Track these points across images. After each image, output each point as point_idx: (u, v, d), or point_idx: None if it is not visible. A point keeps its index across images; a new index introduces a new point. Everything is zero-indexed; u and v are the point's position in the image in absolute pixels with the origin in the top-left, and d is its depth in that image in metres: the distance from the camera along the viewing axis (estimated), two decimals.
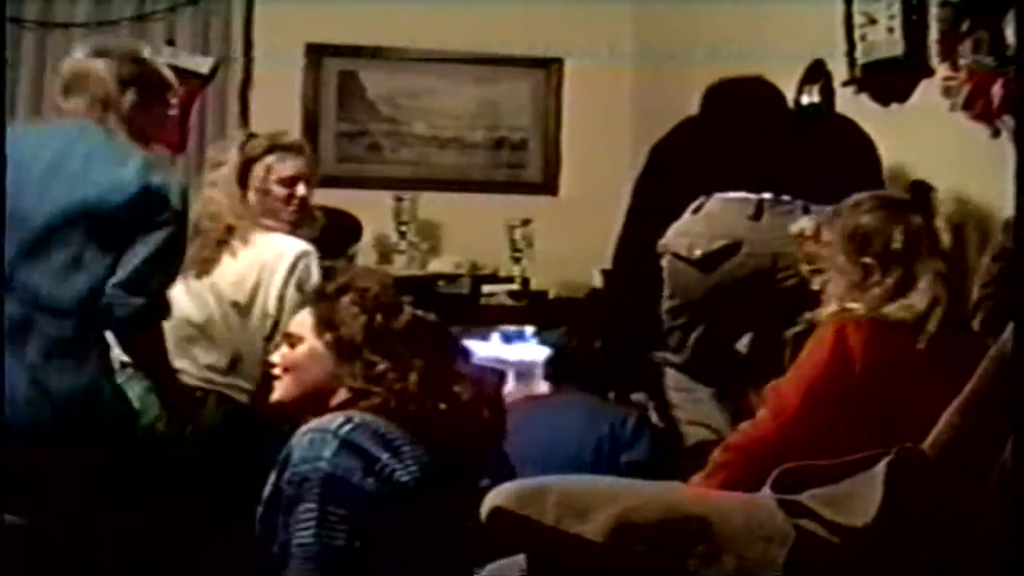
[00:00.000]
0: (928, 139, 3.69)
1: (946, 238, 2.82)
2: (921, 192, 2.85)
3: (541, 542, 2.56)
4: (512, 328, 5.11)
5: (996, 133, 3.28)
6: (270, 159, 3.76)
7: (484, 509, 2.57)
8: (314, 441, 2.66)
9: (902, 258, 2.77)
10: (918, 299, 2.72)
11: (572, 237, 5.45)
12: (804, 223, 3.07)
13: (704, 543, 2.48)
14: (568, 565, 2.56)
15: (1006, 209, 2.59)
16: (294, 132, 5.56)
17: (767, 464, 2.63)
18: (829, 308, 2.82)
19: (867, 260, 2.79)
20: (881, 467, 2.33)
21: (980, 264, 2.96)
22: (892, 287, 2.75)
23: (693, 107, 4.05)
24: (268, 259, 3.62)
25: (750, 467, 2.73)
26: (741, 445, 2.84)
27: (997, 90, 3.23)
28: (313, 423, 2.71)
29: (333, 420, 2.69)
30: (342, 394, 2.80)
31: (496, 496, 2.59)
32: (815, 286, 2.95)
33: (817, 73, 4.22)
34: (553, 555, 2.57)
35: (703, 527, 2.49)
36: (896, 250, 2.77)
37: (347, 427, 2.67)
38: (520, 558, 2.65)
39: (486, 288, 5.21)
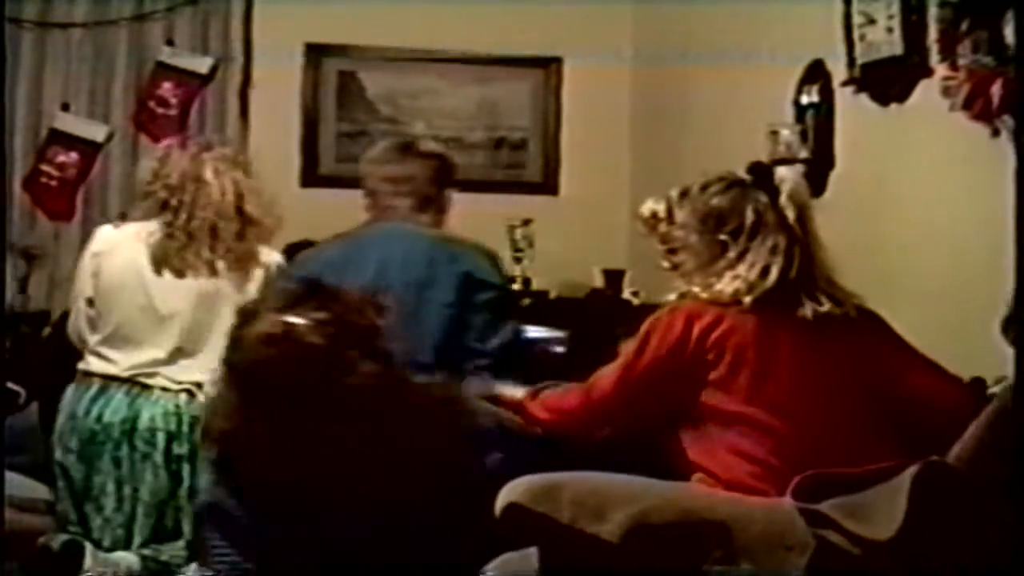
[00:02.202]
0: (928, 139, 3.69)
1: (790, 214, 2.84)
2: (762, 172, 2.94)
3: (555, 539, 2.54)
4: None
5: (996, 133, 3.27)
6: None
7: (499, 505, 2.56)
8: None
9: (750, 234, 2.83)
10: (746, 269, 2.79)
11: (572, 237, 5.45)
12: (653, 205, 3.12)
13: (722, 548, 2.45)
14: (581, 562, 2.54)
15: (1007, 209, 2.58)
16: (294, 132, 5.61)
17: (571, 432, 2.85)
18: (680, 289, 2.89)
19: (722, 237, 2.84)
20: (906, 479, 2.30)
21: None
22: (735, 260, 2.82)
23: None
24: None
25: (555, 431, 2.88)
26: (553, 407, 2.92)
27: (996, 90, 3.22)
28: None
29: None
30: None
31: (510, 492, 2.56)
32: (665, 264, 3.02)
33: (816, 73, 4.23)
34: (567, 552, 2.55)
35: (722, 532, 2.46)
36: (747, 226, 2.83)
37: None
38: (532, 552, 2.64)
39: None
